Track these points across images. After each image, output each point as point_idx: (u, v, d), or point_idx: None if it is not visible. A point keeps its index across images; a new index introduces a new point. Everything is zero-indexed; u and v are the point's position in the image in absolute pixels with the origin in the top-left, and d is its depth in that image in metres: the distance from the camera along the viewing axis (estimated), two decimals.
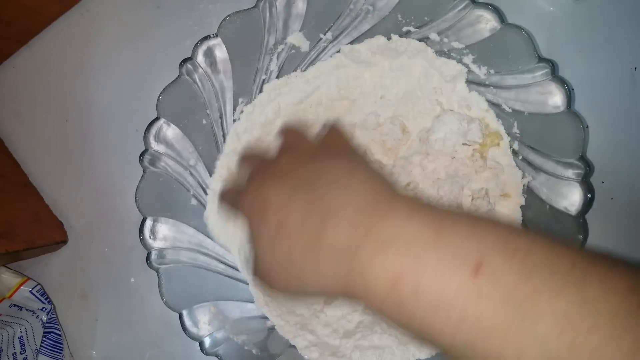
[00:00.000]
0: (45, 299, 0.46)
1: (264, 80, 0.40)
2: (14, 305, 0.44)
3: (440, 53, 0.37)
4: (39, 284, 0.46)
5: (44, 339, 0.44)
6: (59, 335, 0.45)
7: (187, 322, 0.37)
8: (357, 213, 0.24)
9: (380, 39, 0.38)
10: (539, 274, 0.20)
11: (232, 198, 0.33)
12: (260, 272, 0.28)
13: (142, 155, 0.38)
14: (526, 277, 0.20)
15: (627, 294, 0.19)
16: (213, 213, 0.39)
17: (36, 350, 0.43)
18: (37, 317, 0.44)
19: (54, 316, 0.46)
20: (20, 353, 0.41)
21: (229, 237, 0.39)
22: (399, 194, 0.26)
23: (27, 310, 0.44)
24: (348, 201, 0.25)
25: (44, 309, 0.45)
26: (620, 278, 0.20)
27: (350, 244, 0.24)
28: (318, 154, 0.29)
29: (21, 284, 0.45)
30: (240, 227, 0.32)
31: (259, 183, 0.29)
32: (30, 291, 0.45)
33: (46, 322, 0.45)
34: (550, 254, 0.21)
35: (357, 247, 0.23)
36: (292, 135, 0.33)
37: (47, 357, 0.44)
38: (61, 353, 0.45)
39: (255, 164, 0.32)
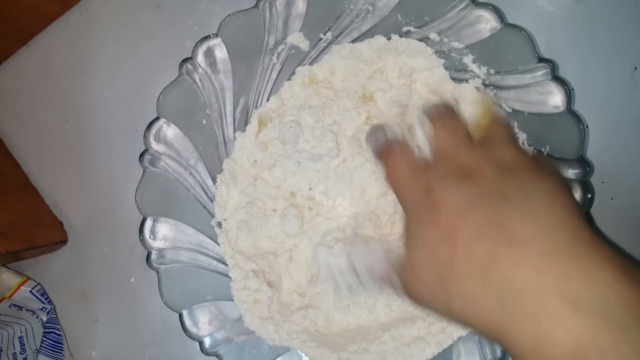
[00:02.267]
0: (45, 299, 0.46)
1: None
2: (14, 305, 0.44)
3: (440, 53, 0.37)
4: (38, 284, 0.46)
5: (44, 339, 0.44)
6: (59, 335, 0.45)
7: (187, 322, 0.37)
8: (549, 254, 0.20)
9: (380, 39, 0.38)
10: None
11: (403, 169, 0.27)
12: (405, 273, 0.25)
13: (142, 155, 0.38)
14: None
15: None
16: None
17: (36, 350, 0.43)
18: (37, 317, 0.44)
19: (54, 316, 0.46)
20: (20, 353, 0.41)
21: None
22: (597, 237, 0.21)
23: (27, 310, 0.44)
24: (540, 233, 0.21)
25: (44, 309, 0.45)
26: None
27: (530, 288, 0.20)
28: (518, 167, 0.25)
29: (21, 284, 0.45)
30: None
31: (437, 175, 0.25)
32: (30, 291, 0.45)
33: (46, 322, 0.45)
34: None
35: (538, 294, 0.20)
36: (492, 128, 0.29)
37: (47, 357, 0.44)
38: (61, 353, 0.45)
39: (448, 138, 0.27)
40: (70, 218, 0.47)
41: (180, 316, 0.37)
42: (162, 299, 0.37)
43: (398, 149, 0.29)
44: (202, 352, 0.37)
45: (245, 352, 0.37)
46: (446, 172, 0.25)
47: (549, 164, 0.28)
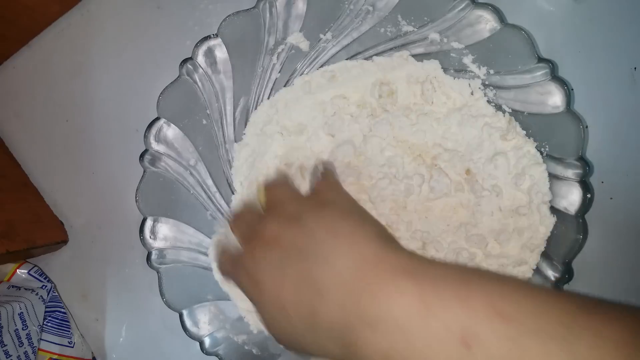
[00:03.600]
0: (44, 278, 0.46)
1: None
2: (13, 286, 0.44)
3: (441, 53, 0.37)
4: (35, 265, 0.46)
5: (49, 318, 0.44)
6: (64, 313, 0.45)
7: (187, 322, 0.37)
8: (345, 293, 0.24)
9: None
10: (527, 339, 0.20)
11: (228, 266, 0.33)
12: (270, 332, 0.29)
13: (142, 155, 0.38)
14: (514, 344, 0.20)
15: (618, 348, 0.19)
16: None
17: (39, 326, 0.43)
18: (37, 294, 0.44)
19: (56, 294, 0.46)
20: (23, 329, 0.41)
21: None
22: (384, 248, 0.25)
23: (25, 289, 0.44)
24: (335, 276, 0.25)
25: (44, 287, 0.45)
26: (613, 330, 0.19)
27: (343, 324, 0.24)
28: (303, 213, 0.29)
29: (18, 267, 0.45)
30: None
31: (249, 256, 0.29)
32: (28, 272, 0.45)
33: (48, 301, 0.45)
34: (538, 315, 0.20)
35: (349, 327, 0.24)
36: (275, 193, 0.33)
37: (55, 335, 0.44)
38: (69, 331, 0.45)
39: (245, 226, 0.32)
40: (71, 218, 0.47)
41: (181, 316, 0.37)
42: (163, 299, 0.37)
43: (220, 248, 0.34)
44: (202, 352, 0.37)
45: (246, 352, 0.38)
46: (254, 252, 0.29)
47: (329, 190, 0.32)
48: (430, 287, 0.22)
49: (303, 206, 0.30)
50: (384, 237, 0.27)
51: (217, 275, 0.38)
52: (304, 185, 0.35)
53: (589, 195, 0.33)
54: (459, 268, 0.26)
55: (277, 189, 0.33)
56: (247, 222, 0.32)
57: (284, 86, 0.40)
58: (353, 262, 0.25)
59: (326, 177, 0.33)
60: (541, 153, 0.35)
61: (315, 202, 0.30)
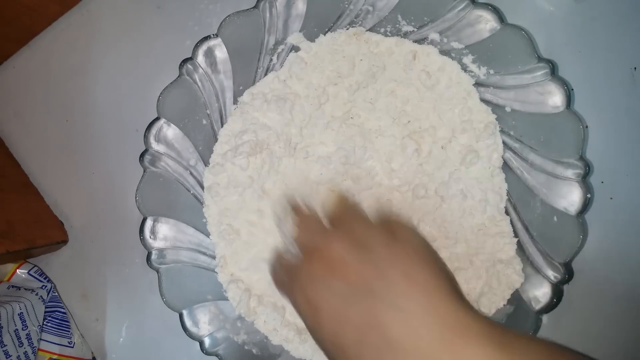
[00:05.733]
0: (44, 279, 0.46)
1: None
2: (13, 286, 0.44)
3: (441, 53, 0.37)
4: (35, 265, 0.46)
5: (49, 318, 0.44)
6: (64, 313, 0.45)
7: (187, 322, 0.37)
8: (424, 355, 0.22)
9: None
10: None
11: (283, 276, 0.30)
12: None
13: (142, 155, 0.38)
14: None
15: None
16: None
17: (39, 326, 0.42)
18: (37, 294, 0.44)
19: (56, 294, 0.46)
20: (23, 329, 0.41)
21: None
22: (463, 310, 0.23)
23: (25, 289, 0.44)
24: (412, 333, 0.22)
25: (43, 287, 0.45)
26: None
27: None
28: (374, 244, 0.26)
29: (18, 267, 0.45)
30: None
31: (306, 272, 0.27)
32: (28, 273, 0.45)
33: (48, 301, 0.45)
34: None
35: None
36: (346, 208, 0.30)
37: (55, 335, 0.44)
38: (68, 331, 0.45)
39: (307, 233, 0.29)
40: (71, 218, 0.47)
41: (181, 316, 0.37)
42: (163, 299, 0.37)
43: (274, 258, 0.31)
44: (202, 352, 0.37)
45: (245, 352, 0.38)
46: (314, 270, 0.27)
47: (403, 227, 0.29)
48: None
49: (373, 235, 0.27)
50: (458, 293, 0.25)
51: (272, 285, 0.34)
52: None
53: (589, 195, 0.33)
54: (541, 342, 0.24)
55: (348, 204, 0.31)
56: (310, 229, 0.30)
57: None
58: (434, 322, 0.23)
59: (396, 217, 0.30)
60: (541, 153, 0.35)
61: (387, 235, 0.27)
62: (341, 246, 0.26)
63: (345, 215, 0.30)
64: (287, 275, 0.29)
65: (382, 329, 0.23)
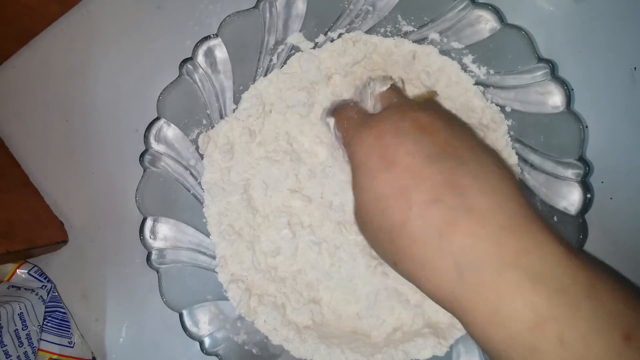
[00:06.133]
0: (44, 278, 0.45)
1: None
2: (13, 286, 0.44)
3: (441, 53, 0.37)
4: (35, 265, 0.46)
5: (49, 318, 0.44)
6: (64, 313, 0.45)
7: (187, 322, 0.37)
8: (506, 228, 0.21)
9: None
10: None
11: (353, 115, 0.28)
12: (357, 215, 0.25)
13: (142, 155, 0.38)
14: None
15: None
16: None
17: (39, 326, 0.42)
18: (37, 294, 0.44)
19: (56, 294, 0.46)
20: (23, 329, 0.41)
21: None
22: (528, 206, 0.23)
23: (25, 289, 0.44)
24: (497, 206, 0.21)
25: (43, 287, 0.45)
26: None
27: (489, 261, 0.20)
28: (460, 122, 0.26)
29: (18, 267, 0.45)
30: None
31: (394, 128, 0.24)
32: (28, 272, 0.45)
33: (48, 301, 0.44)
34: None
35: (498, 267, 0.20)
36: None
37: (55, 335, 0.43)
38: (69, 331, 0.45)
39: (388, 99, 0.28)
40: (71, 218, 0.47)
41: (181, 316, 0.37)
42: (162, 299, 0.37)
43: (350, 102, 0.29)
44: (202, 352, 0.37)
45: (245, 352, 0.38)
46: (401, 123, 0.25)
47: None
48: (597, 273, 0.20)
49: (458, 120, 0.27)
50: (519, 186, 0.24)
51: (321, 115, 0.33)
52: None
53: (589, 195, 0.33)
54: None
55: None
56: (400, 96, 0.29)
57: None
58: (518, 200, 0.22)
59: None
60: (541, 153, 0.35)
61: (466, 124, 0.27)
62: (430, 113, 0.25)
63: (434, 102, 0.30)
64: (359, 118, 0.27)
65: (461, 190, 0.22)
